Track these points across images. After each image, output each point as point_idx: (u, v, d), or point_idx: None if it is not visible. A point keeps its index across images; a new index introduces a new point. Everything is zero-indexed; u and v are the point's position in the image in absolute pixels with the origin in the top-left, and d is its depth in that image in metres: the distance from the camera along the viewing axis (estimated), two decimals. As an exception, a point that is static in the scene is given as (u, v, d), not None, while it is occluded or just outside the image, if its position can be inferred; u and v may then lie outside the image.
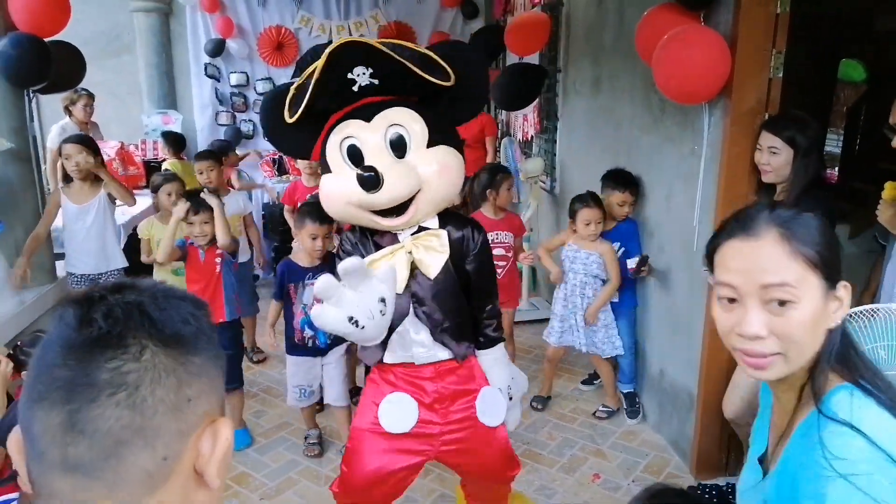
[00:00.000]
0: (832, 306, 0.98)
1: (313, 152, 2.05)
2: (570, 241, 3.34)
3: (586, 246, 3.28)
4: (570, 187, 4.53)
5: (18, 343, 2.31)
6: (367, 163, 1.91)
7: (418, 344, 2.07)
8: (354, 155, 1.94)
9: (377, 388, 2.15)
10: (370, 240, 2.07)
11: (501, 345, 2.23)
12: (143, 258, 3.67)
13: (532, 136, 5.13)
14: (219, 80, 6.66)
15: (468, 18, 6.80)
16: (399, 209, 1.94)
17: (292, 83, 1.93)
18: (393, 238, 2.04)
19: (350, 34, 6.65)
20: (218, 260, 3.16)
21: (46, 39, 3.33)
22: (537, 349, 4.21)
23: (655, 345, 3.32)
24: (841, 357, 0.98)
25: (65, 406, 0.56)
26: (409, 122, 1.94)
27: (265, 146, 6.72)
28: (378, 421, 2.09)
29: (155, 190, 3.73)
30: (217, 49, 6.47)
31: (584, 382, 3.76)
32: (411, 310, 2.05)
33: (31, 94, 3.52)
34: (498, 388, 2.16)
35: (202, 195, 3.23)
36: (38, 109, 6.12)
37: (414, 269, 2.02)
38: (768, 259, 0.96)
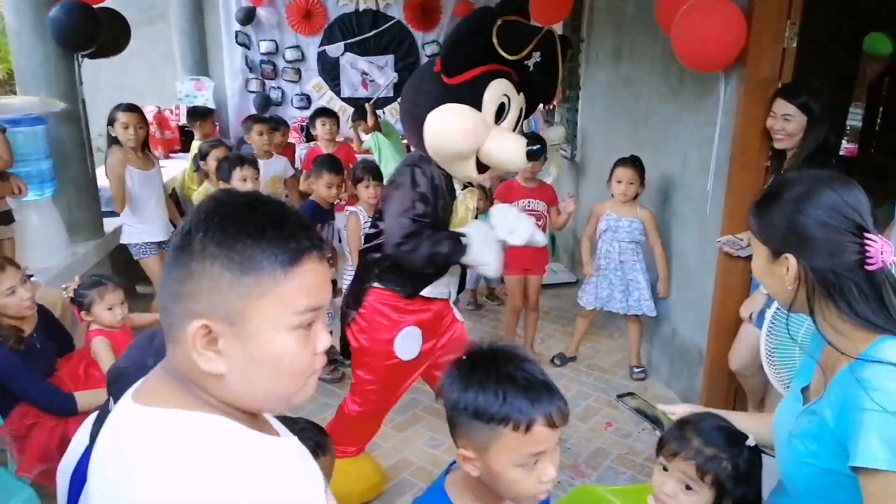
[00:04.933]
0: (780, 269, 1.17)
1: (462, 76, 2.14)
2: (607, 210, 3.43)
3: (626, 213, 3.37)
4: (591, 156, 4.67)
5: (77, 286, 2.50)
6: (504, 123, 2.22)
7: (453, 284, 2.44)
8: (501, 111, 2.22)
9: (386, 323, 2.34)
10: (445, 176, 2.27)
11: None
12: None
13: (554, 106, 5.25)
14: (249, 48, 6.83)
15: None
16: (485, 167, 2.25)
17: (498, 12, 2.13)
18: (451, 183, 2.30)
19: (377, 4, 6.79)
20: None
21: (95, 6, 3.52)
22: (556, 310, 4.40)
23: (668, 305, 3.49)
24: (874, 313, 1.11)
25: None
26: (523, 107, 2.30)
27: (292, 113, 6.91)
28: (394, 352, 2.36)
29: (203, 157, 3.96)
30: (247, 17, 6.62)
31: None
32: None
33: (80, 59, 3.72)
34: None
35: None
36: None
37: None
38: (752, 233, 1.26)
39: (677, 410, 1.48)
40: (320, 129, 4.72)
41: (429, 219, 2.19)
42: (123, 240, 3.73)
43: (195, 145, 4.79)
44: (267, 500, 0.74)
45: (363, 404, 2.48)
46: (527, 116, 2.45)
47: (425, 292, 2.35)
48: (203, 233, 0.75)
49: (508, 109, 2.21)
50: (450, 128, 2.12)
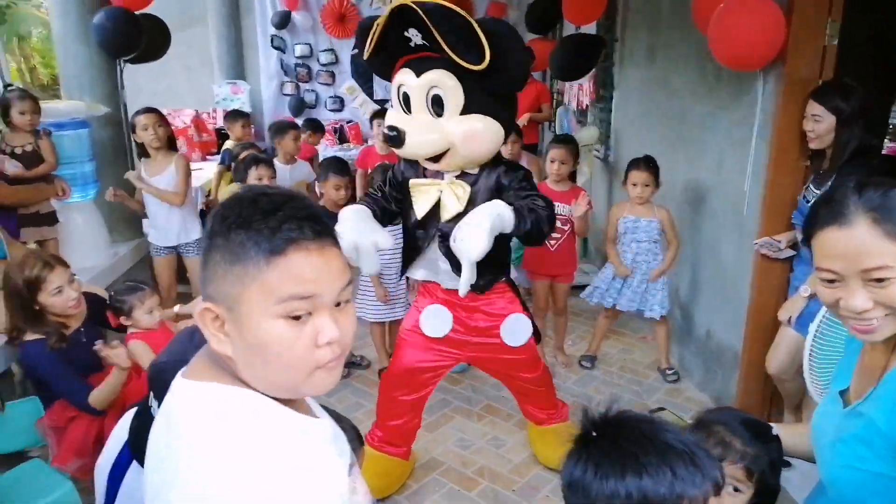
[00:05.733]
0: None
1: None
2: (625, 212, 3.40)
3: (644, 214, 3.35)
4: (625, 156, 4.62)
5: (112, 293, 2.56)
6: (412, 112, 2.25)
7: (444, 272, 2.44)
8: (406, 101, 2.27)
9: (423, 298, 2.60)
10: (420, 166, 2.40)
11: (504, 206, 2.21)
12: None
13: (587, 106, 5.22)
14: (284, 52, 6.94)
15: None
16: (436, 157, 2.26)
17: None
18: (437, 172, 2.37)
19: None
20: None
21: (136, 12, 3.62)
22: (586, 312, 4.36)
23: (703, 307, 3.44)
24: None
25: None
26: (448, 86, 2.17)
27: (326, 116, 7.00)
28: (419, 326, 2.54)
29: (234, 158, 4.01)
30: (283, 21, 6.73)
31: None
32: (436, 243, 2.40)
33: (122, 64, 3.82)
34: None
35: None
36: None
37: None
38: (864, 245, 1.01)
39: None
40: (376, 129, 4.72)
41: (372, 199, 2.50)
42: (150, 239, 3.76)
43: (227, 144, 4.81)
44: (282, 466, 0.78)
45: (392, 361, 2.73)
46: (501, 91, 2.24)
47: (410, 273, 2.58)
48: (213, 224, 0.83)
49: (410, 96, 2.23)
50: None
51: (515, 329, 2.53)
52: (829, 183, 2.46)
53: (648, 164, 3.31)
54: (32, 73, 13.73)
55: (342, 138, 6.95)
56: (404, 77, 2.23)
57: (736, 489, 1.31)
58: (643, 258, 3.40)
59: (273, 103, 7.01)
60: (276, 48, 6.89)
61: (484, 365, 2.74)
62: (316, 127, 5.29)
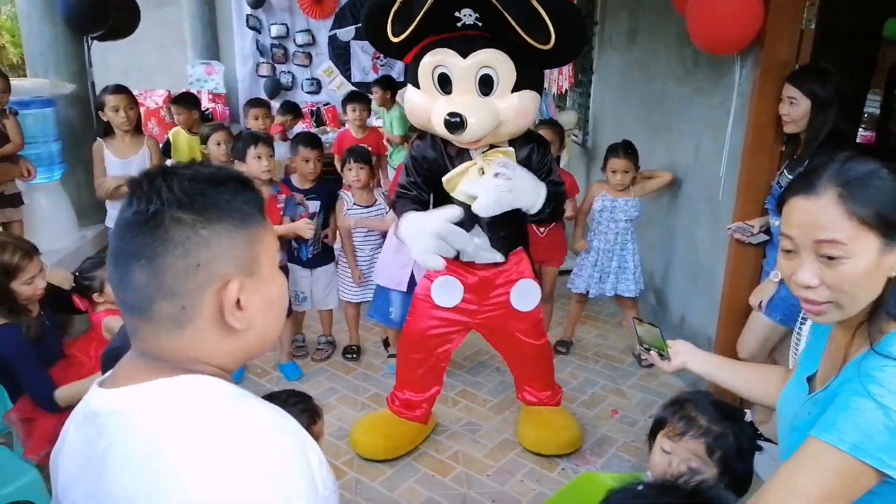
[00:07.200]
0: (892, 259, 1.01)
1: (407, 56, 2.29)
2: (603, 192, 3.39)
3: (623, 194, 3.33)
4: (604, 140, 4.61)
5: (77, 272, 2.48)
6: (453, 92, 2.19)
7: (481, 248, 2.46)
8: (444, 82, 2.20)
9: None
10: (441, 144, 2.39)
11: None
12: None
13: (566, 90, 5.19)
14: (260, 32, 6.81)
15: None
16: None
17: None
18: (462, 149, 2.33)
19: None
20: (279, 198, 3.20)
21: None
22: (563, 297, 4.36)
23: (677, 292, 3.45)
24: None
25: (115, 269, 0.78)
26: (500, 65, 2.16)
27: (303, 98, 6.89)
28: (430, 294, 2.57)
29: (204, 140, 3.88)
30: (258, 0, 6.59)
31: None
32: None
33: (90, 41, 3.71)
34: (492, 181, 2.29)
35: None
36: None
37: None
38: (823, 217, 1.01)
39: (677, 346, 1.55)
40: (350, 114, 4.69)
41: (412, 188, 2.48)
42: (108, 223, 3.59)
43: (173, 132, 4.48)
44: (275, 438, 0.76)
45: (407, 322, 2.73)
46: (556, 66, 2.48)
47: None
48: (178, 206, 0.75)
49: (452, 77, 2.18)
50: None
51: (525, 293, 2.58)
52: (802, 168, 2.46)
53: (627, 150, 3.29)
54: (2, 53, 13.36)
55: (319, 121, 6.86)
56: (443, 58, 2.17)
57: (691, 466, 1.31)
58: (624, 237, 3.38)
59: (248, 84, 6.88)
60: (251, 28, 6.76)
61: (491, 333, 2.74)
62: (291, 109, 5.15)
